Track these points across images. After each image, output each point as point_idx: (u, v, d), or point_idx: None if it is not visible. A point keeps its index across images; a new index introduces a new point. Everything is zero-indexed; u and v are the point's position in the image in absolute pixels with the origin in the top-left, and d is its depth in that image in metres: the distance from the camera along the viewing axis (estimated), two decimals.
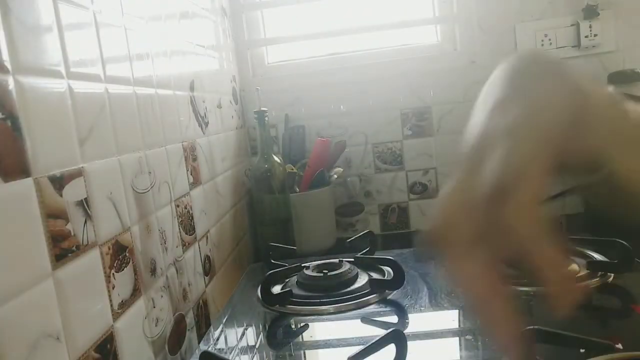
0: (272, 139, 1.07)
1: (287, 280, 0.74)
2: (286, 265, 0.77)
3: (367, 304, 0.64)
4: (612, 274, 0.64)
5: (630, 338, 0.45)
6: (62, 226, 0.42)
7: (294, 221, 1.02)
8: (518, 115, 0.29)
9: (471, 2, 1.16)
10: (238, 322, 0.66)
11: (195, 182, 0.78)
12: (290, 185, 1.06)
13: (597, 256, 0.69)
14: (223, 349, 0.58)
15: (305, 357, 0.55)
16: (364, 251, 0.80)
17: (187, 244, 0.71)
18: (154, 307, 0.58)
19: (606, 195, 0.34)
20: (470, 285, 0.27)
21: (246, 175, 1.12)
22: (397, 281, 0.66)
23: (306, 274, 0.71)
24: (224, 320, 0.66)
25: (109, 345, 0.48)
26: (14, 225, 0.37)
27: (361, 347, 0.44)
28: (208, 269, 0.80)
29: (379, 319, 0.61)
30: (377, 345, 0.46)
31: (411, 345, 0.48)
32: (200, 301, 0.74)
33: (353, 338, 0.56)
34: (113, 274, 0.50)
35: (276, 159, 1.02)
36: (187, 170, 0.75)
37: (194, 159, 0.79)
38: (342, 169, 1.14)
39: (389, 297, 0.65)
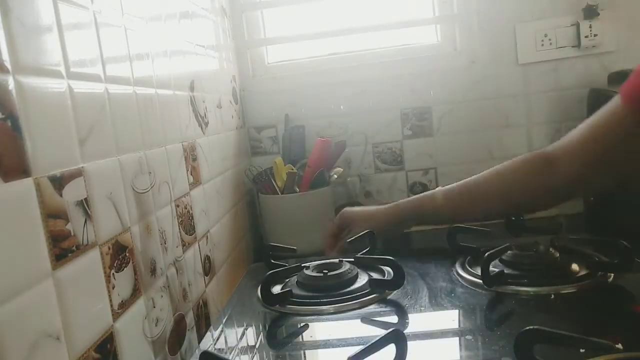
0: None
1: (287, 280, 0.74)
2: (286, 265, 0.77)
3: (367, 304, 0.64)
4: (612, 274, 0.64)
5: (630, 338, 0.45)
6: (62, 226, 0.42)
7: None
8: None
9: (471, 2, 1.16)
10: (238, 322, 0.66)
11: (195, 182, 0.78)
12: (291, 186, 1.07)
13: (597, 256, 0.69)
14: (223, 349, 0.58)
15: (305, 357, 0.55)
16: (364, 251, 0.80)
17: (187, 244, 0.71)
18: (154, 307, 0.58)
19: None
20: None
21: (246, 176, 1.12)
22: (397, 281, 0.66)
23: (306, 274, 0.71)
24: (224, 320, 0.66)
25: (109, 345, 0.48)
26: (14, 225, 0.37)
27: (361, 347, 0.44)
28: (208, 269, 0.80)
29: (379, 319, 0.61)
30: (377, 345, 0.45)
31: (411, 345, 0.48)
32: (200, 301, 0.74)
33: (353, 338, 0.56)
34: (113, 274, 0.50)
35: None
36: (187, 170, 0.75)
37: (194, 159, 0.79)
38: (342, 169, 1.14)
39: (389, 297, 0.65)
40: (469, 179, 0.79)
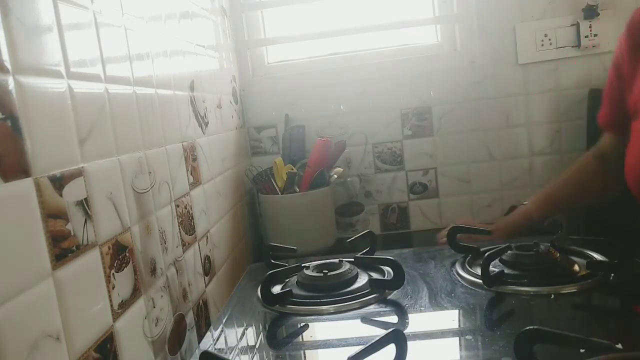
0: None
1: (287, 280, 0.74)
2: (286, 265, 0.77)
3: (367, 304, 0.64)
4: (612, 274, 0.64)
5: (630, 338, 0.45)
6: (62, 226, 0.42)
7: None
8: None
9: (471, 2, 1.16)
10: (238, 322, 0.66)
11: (195, 182, 0.78)
12: (290, 186, 1.07)
13: (597, 256, 0.69)
14: (223, 349, 0.58)
15: (305, 357, 0.55)
16: (364, 251, 0.80)
17: (187, 244, 0.71)
18: (154, 307, 0.58)
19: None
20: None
21: (246, 176, 1.12)
22: (397, 281, 0.66)
23: (306, 274, 0.71)
24: (224, 320, 0.66)
25: (109, 345, 0.48)
26: (14, 225, 0.37)
27: (361, 347, 0.44)
28: (208, 269, 0.80)
29: (379, 319, 0.61)
30: (377, 345, 0.45)
31: (411, 345, 0.48)
32: (200, 301, 0.74)
33: (353, 338, 0.56)
34: (113, 274, 0.50)
35: None
36: (187, 170, 0.75)
37: (194, 159, 0.79)
38: (342, 169, 1.14)
39: (389, 297, 0.65)
40: (555, 185, 0.96)
